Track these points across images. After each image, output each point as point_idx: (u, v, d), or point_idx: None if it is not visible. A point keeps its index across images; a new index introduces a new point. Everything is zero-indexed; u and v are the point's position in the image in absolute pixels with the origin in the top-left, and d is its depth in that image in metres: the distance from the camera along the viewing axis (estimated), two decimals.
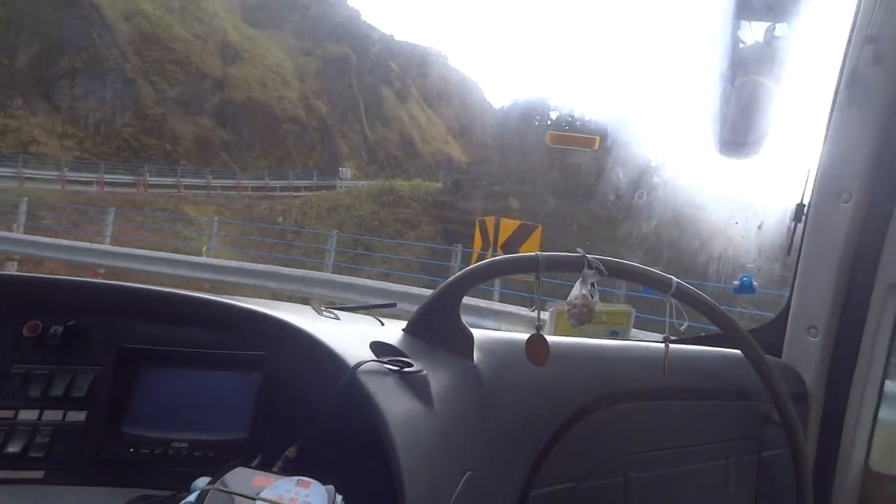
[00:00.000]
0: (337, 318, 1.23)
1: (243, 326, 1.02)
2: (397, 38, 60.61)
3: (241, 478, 0.74)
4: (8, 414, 0.97)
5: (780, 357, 1.58)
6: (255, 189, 38.67)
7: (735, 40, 1.37)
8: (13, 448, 0.94)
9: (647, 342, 1.42)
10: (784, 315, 1.58)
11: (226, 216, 31.19)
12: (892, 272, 1.40)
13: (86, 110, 39.25)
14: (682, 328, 1.20)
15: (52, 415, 0.97)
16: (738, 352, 1.32)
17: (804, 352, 1.52)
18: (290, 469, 0.84)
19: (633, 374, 1.31)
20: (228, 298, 1.05)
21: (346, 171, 43.17)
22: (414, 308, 1.20)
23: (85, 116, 39.28)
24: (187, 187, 36.54)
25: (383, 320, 1.32)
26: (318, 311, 1.23)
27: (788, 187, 1.58)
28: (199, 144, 43.10)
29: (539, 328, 1.14)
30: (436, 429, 0.91)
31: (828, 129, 1.46)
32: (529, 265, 1.14)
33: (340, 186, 40.07)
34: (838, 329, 1.48)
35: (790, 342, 1.56)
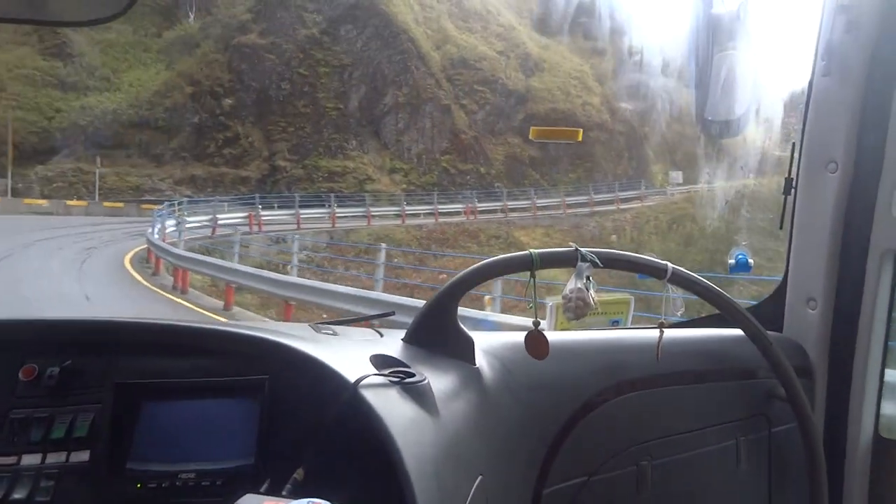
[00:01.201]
0: (335, 334, 1.20)
1: (241, 352, 1.00)
2: None
3: None
4: (10, 460, 0.94)
5: (780, 332, 1.58)
6: (576, 206, 34.80)
7: (709, 15, 1.38)
8: (19, 494, 0.91)
9: (648, 328, 1.46)
10: (782, 289, 1.59)
11: (555, 239, 28.04)
12: (885, 238, 1.41)
13: (408, 142, 39.99)
14: (679, 313, 1.27)
15: (55, 457, 0.95)
16: (740, 331, 1.34)
17: (805, 324, 1.53)
18: (299, 492, 0.82)
19: (636, 363, 1.32)
20: (224, 325, 1.03)
21: (678, 176, 36.85)
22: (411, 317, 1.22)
23: (408, 149, 40.04)
24: (511, 210, 34.28)
25: (382, 331, 1.28)
26: (316, 329, 1.21)
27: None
28: (508, 164, 41.21)
29: (537, 323, 1.15)
30: (442, 436, 0.92)
31: (808, 101, 1.47)
32: (523, 264, 1.17)
33: (671, 193, 34.14)
34: (837, 299, 1.49)
35: (790, 316, 1.57)
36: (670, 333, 1.32)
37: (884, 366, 1.46)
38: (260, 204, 26.25)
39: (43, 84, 37.69)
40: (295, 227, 25.48)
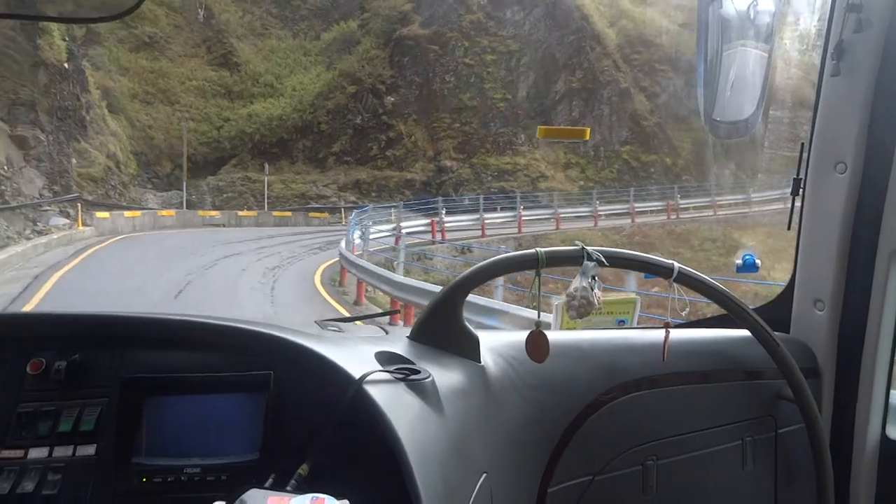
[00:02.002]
0: (340, 331, 1.19)
1: (246, 347, 1.01)
2: None
3: (254, 499, 0.74)
4: (18, 454, 0.96)
5: (787, 333, 1.58)
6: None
7: (717, 11, 1.34)
8: (26, 487, 0.92)
9: (654, 328, 1.49)
10: (789, 290, 1.59)
11: (782, 241, 22.10)
12: (893, 239, 1.39)
13: None
14: (684, 312, 1.25)
15: (62, 451, 0.96)
16: (746, 331, 1.34)
17: (812, 325, 1.52)
18: (303, 487, 0.82)
19: (642, 363, 1.32)
20: (229, 321, 1.02)
21: None
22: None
23: (584, 141, 35.41)
24: (721, 206, 28.56)
25: (387, 329, 1.28)
26: (322, 326, 1.21)
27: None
28: (697, 154, 35.06)
29: (539, 324, 1.16)
30: (447, 433, 0.93)
31: (817, 101, 1.47)
32: (529, 262, 1.17)
33: None
34: (845, 300, 1.48)
35: (797, 317, 1.57)
36: (677, 334, 1.35)
37: (891, 367, 1.46)
38: (444, 208, 23.01)
39: (212, 94, 37.58)
40: (479, 234, 22.54)
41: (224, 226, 27.97)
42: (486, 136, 35.65)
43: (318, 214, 31.13)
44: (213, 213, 28.47)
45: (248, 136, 35.74)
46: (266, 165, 32.89)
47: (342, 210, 31.88)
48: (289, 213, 30.66)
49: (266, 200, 31.72)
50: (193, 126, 35.00)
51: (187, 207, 29.50)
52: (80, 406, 0.98)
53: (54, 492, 0.92)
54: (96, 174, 26.89)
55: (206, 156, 35.11)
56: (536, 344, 1.15)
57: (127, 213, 24.13)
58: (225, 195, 33.03)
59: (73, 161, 26.36)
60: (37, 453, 0.95)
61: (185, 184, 29.63)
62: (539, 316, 1.16)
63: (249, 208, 31.37)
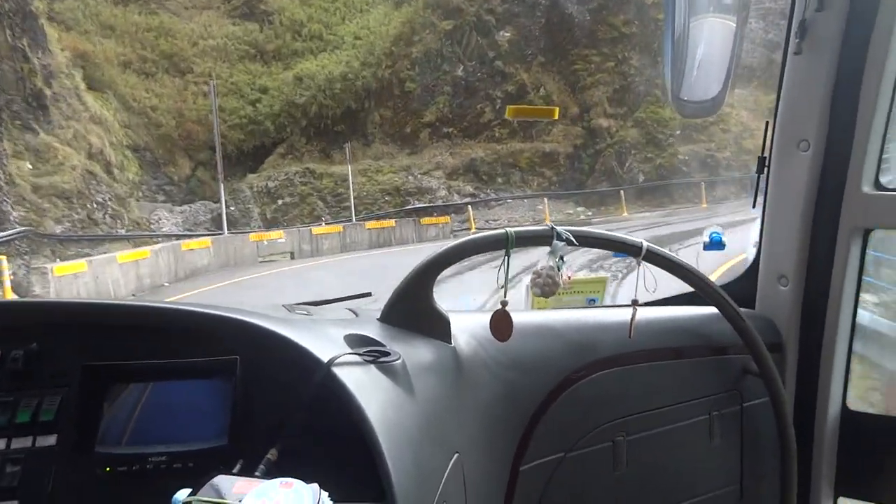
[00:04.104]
0: (309, 315, 1.18)
1: (212, 332, 0.99)
2: None
3: (222, 486, 0.74)
4: None
5: (753, 308, 1.60)
6: None
7: None
8: None
9: (623, 306, 1.44)
10: (754, 267, 1.60)
11: None
12: (854, 216, 1.42)
13: None
14: (652, 291, 1.26)
15: (20, 442, 0.95)
16: (713, 308, 1.37)
17: (776, 301, 1.54)
18: (272, 471, 0.82)
19: (612, 341, 1.34)
20: (193, 305, 1.01)
21: None
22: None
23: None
24: None
25: (357, 311, 1.26)
26: (290, 310, 1.20)
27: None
28: None
29: (504, 304, 1.16)
30: (418, 414, 0.93)
31: (781, 79, 1.46)
32: (498, 242, 1.18)
33: None
34: (808, 276, 1.50)
35: (762, 293, 1.58)
36: (645, 311, 1.37)
37: (852, 340, 1.50)
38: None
39: (238, 56, 26.02)
40: None
41: (293, 256, 16.42)
42: (653, 76, 23.70)
43: (434, 219, 19.49)
44: (274, 234, 16.72)
45: (300, 110, 24.08)
46: (347, 148, 21.01)
47: (468, 208, 20.23)
48: (391, 223, 18.95)
49: (353, 206, 19.98)
50: (219, 103, 23.55)
51: (229, 227, 17.79)
52: (40, 396, 0.96)
53: (14, 484, 0.91)
54: (68, 186, 15.52)
55: (239, 144, 23.58)
56: (500, 323, 1.16)
57: (123, 256, 12.59)
58: (281, 201, 21.44)
59: (25, 166, 15.03)
60: None
61: (222, 188, 17.69)
62: (505, 295, 1.16)
63: (325, 220, 19.72)
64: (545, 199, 20.90)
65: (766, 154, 1.50)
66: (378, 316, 1.20)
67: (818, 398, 1.49)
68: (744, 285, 1.59)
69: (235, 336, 0.96)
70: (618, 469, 1.31)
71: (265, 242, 16.18)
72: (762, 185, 1.53)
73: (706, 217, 17.13)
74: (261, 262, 15.69)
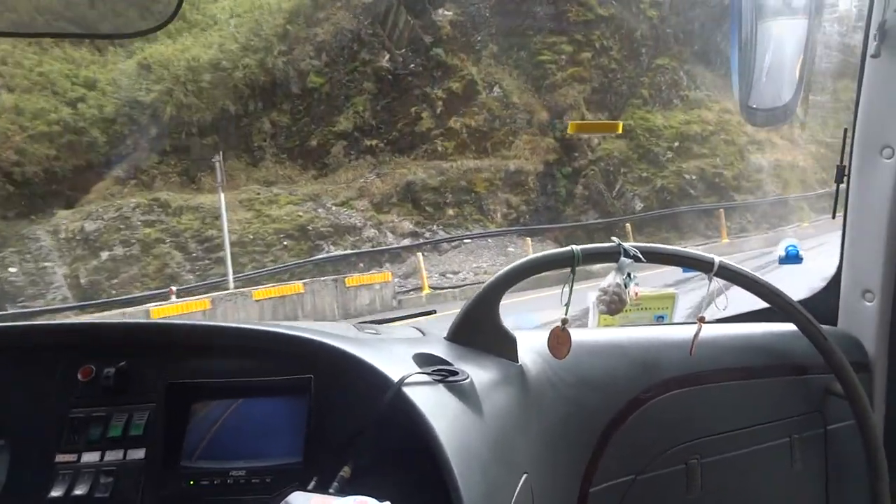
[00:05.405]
0: (377, 333, 1.20)
1: (287, 352, 1.03)
2: None
3: (299, 501, 0.76)
4: (71, 457, 1.00)
5: (835, 325, 1.54)
6: None
7: None
8: (80, 490, 0.96)
9: (692, 323, 1.39)
10: (836, 281, 1.54)
11: None
12: None
13: None
14: (724, 308, 1.23)
15: (112, 455, 1.00)
16: (789, 325, 1.32)
17: (861, 317, 1.48)
18: (346, 489, 0.85)
19: (682, 359, 1.30)
20: (270, 326, 1.06)
21: None
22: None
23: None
24: None
25: (423, 329, 1.27)
26: (359, 329, 1.22)
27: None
28: None
29: (565, 321, 1.16)
30: (486, 434, 0.94)
31: (860, 84, 1.42)
32: (565, 260, 1.17)
33: None
34: (895, 290, 1.43)
35: (845, 309, 1.52)
36: (716, 329, 1.35)
37: None
38: None
39: (53, 39, 17.62)
40: None
41: None
42: (638, 72, 18.29)
43: (366, 278, 12.29)
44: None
45: (147, 112, 16.15)
46: (217, 166, 13.19)
47: (417, 254, 13.45)
48: (296, 287, 11.43)
49: (229, 259, 12.27)
50: (14, 103, 15.41)
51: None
52: (130, 411, 1.00)
53: (106, 495, 0.95)
54: None
55: (47, 164, 15.22)
56: (557, 341, 1.15)
57: None
58: (107, 253, 13.25)
59: None
60: (89, 457, 0.98)
61: None
62: (566, 313, 1.15)
63: (172, 280, 11.94)
64: (528, 239, 14.41)
65: (847, 162, 1.45)
66: (445, 335, 1.20)
67: None
68: (824, 301, 1.54)
69: (309, 355, 0.99)
70: (691, 493, 1.29)
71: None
72: (842, 194, 1.48)
73: (728, 255, 11.67)
74: None
